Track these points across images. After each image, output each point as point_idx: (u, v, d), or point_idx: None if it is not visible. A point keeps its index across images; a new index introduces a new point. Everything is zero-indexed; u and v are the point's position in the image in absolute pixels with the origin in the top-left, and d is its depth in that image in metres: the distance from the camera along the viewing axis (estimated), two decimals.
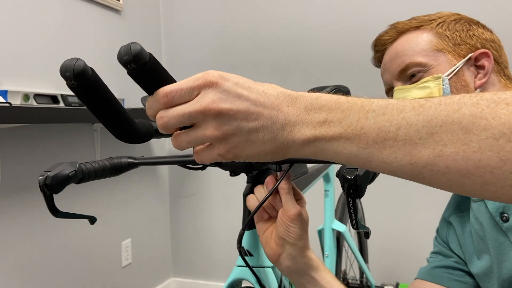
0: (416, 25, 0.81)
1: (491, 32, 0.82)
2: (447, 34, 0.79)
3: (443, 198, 0.95)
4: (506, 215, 0.68)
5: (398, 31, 0.83)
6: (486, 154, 0.32)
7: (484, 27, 0.82)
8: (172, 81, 0.41)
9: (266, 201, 0.58)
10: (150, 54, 0.39)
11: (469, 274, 0.78)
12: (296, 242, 0.58)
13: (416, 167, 0.35)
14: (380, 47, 0.86)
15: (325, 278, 0.61)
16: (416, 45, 0.79)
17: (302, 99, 0.39)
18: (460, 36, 0.78)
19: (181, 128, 0.41)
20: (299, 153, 0.40)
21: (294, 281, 0.61)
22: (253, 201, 0.60)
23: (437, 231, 0.87)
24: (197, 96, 0.39)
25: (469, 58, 0.77)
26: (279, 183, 0.55)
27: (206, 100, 0.38)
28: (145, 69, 0.39)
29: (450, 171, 0.34)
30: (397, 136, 0.35)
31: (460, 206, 0.82)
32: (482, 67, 0.77)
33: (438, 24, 0.80)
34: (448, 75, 0.76)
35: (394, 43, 0.83)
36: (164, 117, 0.40)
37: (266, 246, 0.60)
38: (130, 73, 0.39)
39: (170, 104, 0.40)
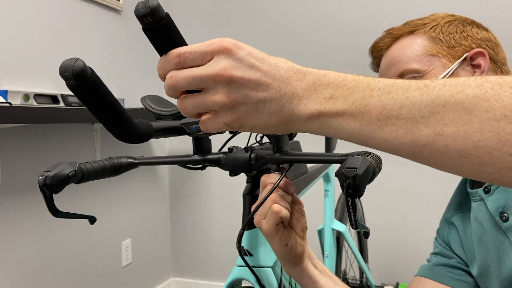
0: (410, 30, 0.81)
1: (487, 30, 0.81)
2: (440, 37, 0.78)
3: (443, 198, 0.95)
4: (505, 214, 0.68)
5: (393, 37, 0.82)
6: (486, 135, 0.32)
7: (479, 26, 0.81)
8: (185, 45, 0.41)
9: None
10: (167, 12, 0.39)
11: (470, 273, 0.78)
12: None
13: (416, 145, 0.36)
14: (376, 54, 0.86)
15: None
16: (410, 52, 0.78)
17: (311, 74, 0.40)
18: (454, 38, 0.78)
19: (188, 94, 0.42)
20: (303, 127, 0.41)
21: (312, 269, 0.61)
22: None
23: (438, 231, 0.87)
24: (210, 61, 0.39)
25: (465, 58, 0.76)
26: (279, 182, 0.55)
27: (219, 66, 0.39)
28: (161, 25, 0.39)
29: (449, 150, 0.34)
30: (400, 114, 0.36)
31: (461, 206, 0.82)
32: (478, 66, 0.76)
33: (431, 28, 0.79)
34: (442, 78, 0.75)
35: (389, 49, 0.83)
36: (174, 77, 0.40)
37: (295, 249, 0.58)
38: (145, 28, 0.39)
39: (182, 65, 0.40)
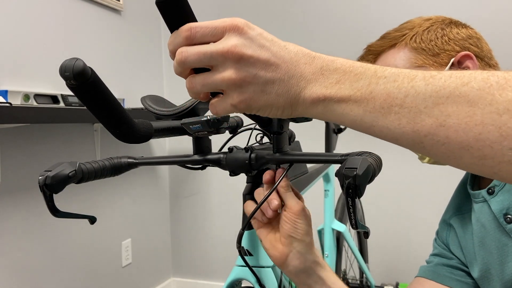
0: (389, 44, 0.79)
1: (466, 27, 0.79)
2: (422, 46, 0.76)
3: (443, 198, 0.95)
4: (510, 216, 0.66)
5: (374, 53, 0.81)
6: (487, 128, 0.33)
7: (457, 24, 0.79)
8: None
9: (265, 203, 0.56)
10: None
11: (471, 274, 0.77)
12: (304, 239, 0.57)
13: (417, 135, 0.36)
14: None
15: (330, 278, 0.59)
16: (396, 67, 0.76)
17: (319, 59, 0.40)
18: (436, 45, 0.76)
19: (196, 73, 0.42)
20: (308, 111, 0.41)
21: (300, 282, 0.59)
22: (251, 206, 0.59)
23: (437, 233, 0.87)
24: (220, 38, 0.40)
25: (452, 64, 0.75)
26: (279, 182, 0.55)
27: (229, 43, 0.39)
28: (175, 0, 0.39)
29: (450, 141, 0.34)
30: (404, 103, 0.36)
31: (460, 208, 0.81)
32: (467, 69, 0.74)
33: (411, 38, 0.77)
34: None
35: None
36: (184, 52, 0.40)
37: (271, 249, 0.58)
38: (159, 2, 0.39)
39: (192, 40, 0.40)
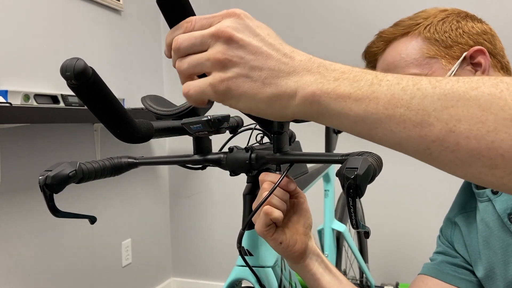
0: (402, 32, 0.77)
1: (481, 22, 0.78)
2: (436, 37, 0.74)
3: (444, 198, 0.95)
4: None
5: (385, 40, 0.79)
6: (500, 135, 0.30)
7: (473, 18, 0.77)
8: None
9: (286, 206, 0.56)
10: None
11: (475, 273, 0.77)
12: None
13: (424, 140, 0.33)
14: (370, 59, 0.82)
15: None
16: (407, 55, 0.75)
17: (317, 59, 0.38)
18: (450, 37, 0.74)
19: None
20: (300, 109, 0.37)
21: (315, 267, 0.60)
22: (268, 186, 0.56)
23: (441, 230, 0.86)
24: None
25: (464, 58, 0.73)
26: (279, 182, 0.55)
27: (222, 25, 0.38)
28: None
29: (460, 149, 0.32)
30: (410, 105, 0.33)
31: (465, 206, 0.80)
32: (479, 65, 0.73)
33: (425, 28, 0.76)
34: None
35: (384, 53, 0.79)
36: (180, 38, 0.40)
37: (297, 244, 0.56)
38: (160, 0, 0.40)
39: (190, 30, 0.40)
